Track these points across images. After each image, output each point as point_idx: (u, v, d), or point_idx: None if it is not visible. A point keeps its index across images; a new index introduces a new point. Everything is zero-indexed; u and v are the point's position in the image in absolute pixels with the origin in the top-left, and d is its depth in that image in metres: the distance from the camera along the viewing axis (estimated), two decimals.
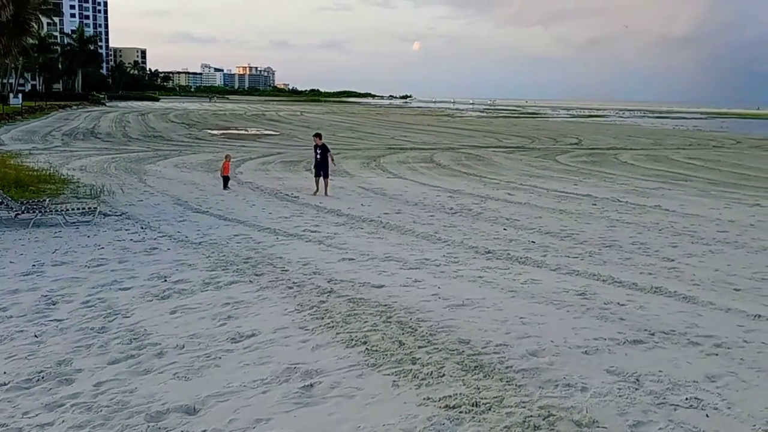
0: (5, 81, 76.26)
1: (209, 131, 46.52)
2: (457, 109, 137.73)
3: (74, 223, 13.05)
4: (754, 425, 5.28)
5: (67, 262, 10.08)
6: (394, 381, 5.93)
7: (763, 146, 45.73)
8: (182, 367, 6.21)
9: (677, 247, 12.18)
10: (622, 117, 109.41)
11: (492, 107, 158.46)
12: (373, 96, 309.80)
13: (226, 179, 18.95)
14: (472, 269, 10.11)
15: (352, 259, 10.61)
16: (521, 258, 10.95)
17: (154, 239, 11.83)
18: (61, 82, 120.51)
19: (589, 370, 6.24)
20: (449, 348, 6.72)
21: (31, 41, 54.82)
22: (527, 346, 6.84)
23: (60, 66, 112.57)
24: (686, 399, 5.68)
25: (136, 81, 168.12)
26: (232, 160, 20.45)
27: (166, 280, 9.16)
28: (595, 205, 17.29)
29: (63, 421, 5.17)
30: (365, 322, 7.50)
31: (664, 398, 5.69)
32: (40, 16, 41.84)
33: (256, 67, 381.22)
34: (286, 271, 9.78)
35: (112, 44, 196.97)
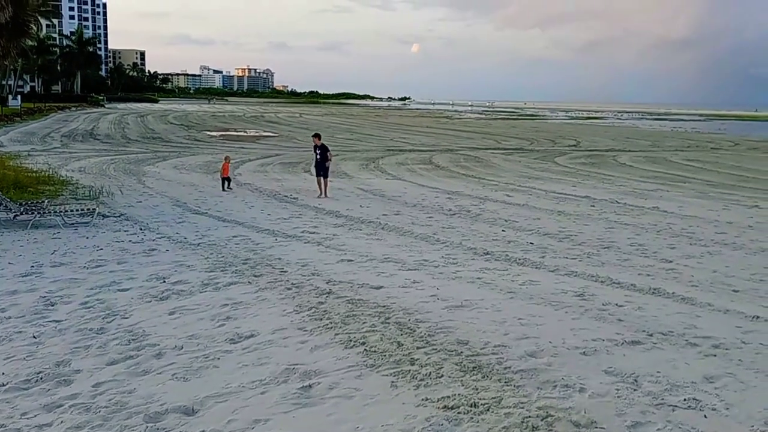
0: (4, 83, 76.23)
1: (208, 133, 46.53)
2: (455, 110, 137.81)
3: (73, 224, 13.05)
4: (752, 426, 5.29)
5: (65, 263, 10.08)
6: (392, 382, 5.93)
7: (762, 148, 45.78)
8: (181, 368, 6.21)
9: (675, 248, 12.19)
10: (620, 119, 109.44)
11: (490, 109, 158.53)
12: (372, 98, 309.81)
13: (226, 180, 18.95)
14: (470, 270, 10.12)
15: (351, 260, 10.61)
16: (520, 259, 10.96)
17: (153, 240, 11.83)
18: (60, 83, 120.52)
19: (588, 371, 6.25)
20: (448, 349, 6.72)
21: (30, 43, 54.78)
22: (526, 346, 6.84)
23: (59, 68, 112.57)
24: (684, 400, 5.69)
25: (135, 83, 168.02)
26: (231, 161, 20.45)
27: (164, 281, 9.16)
28: (593, 206, 17.31)
29: (62, 422, 5.17)
30: (364, 322, 7.51)
31: (663, 399, 5.70)
32: (39, 17, 41.75)
33: (255, 69, 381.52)
34: (285, 272, 9.78)
35: (111, 46, 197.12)
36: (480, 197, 18.57)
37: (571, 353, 6.72)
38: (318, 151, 18.23)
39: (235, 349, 6.72)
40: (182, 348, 6.73)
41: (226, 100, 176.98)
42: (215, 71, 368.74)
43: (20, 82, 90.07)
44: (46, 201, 14.13)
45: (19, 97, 77.37)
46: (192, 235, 12.29)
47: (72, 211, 13.44)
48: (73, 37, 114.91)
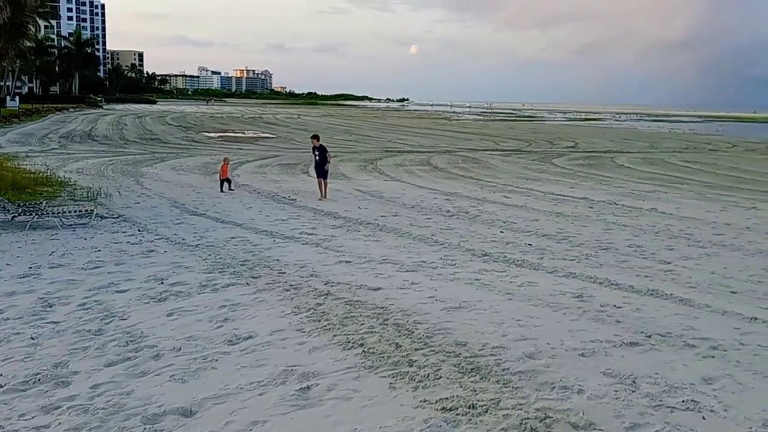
0: (2, 84, 76.10)
1: (206, 134, 46.52)
2: (453, 112, 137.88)
3: (71, 225, 13.04)
4: (751, 427, 5.29)
5: (63, 265, 10.07)
6: (390, 383, 5.93)
7: (759, 150, 45.85)
8: (179, 370, 6.20)
9: (673, 249, 12.20)
10: (618, 120, 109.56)
11: (489, 110, 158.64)
12: (370, 99, 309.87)
13: (225, 181, 18.92)
14: (468, 272, 10.12)
15: (349, 262, 10.61)
16: (518, 260, 10.96)
17: (151, 242, 11.82)
18: (58, 84, 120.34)
19: (586, 373, 6.25)
20: (446, 350, 6.72)
21: (28, 44, 54.83)
22: (524, 348, 6.84)
23: (57, 69, 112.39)
24: (683, 401, 5.69)
25: (133, 84, 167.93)
26: (230, 162, 20.43)
27: (162, 283, 9.15)
28: (591, 208, 17.32)
29: (59, 424, 5.16)
30: (362, 324, 7.51)
31: (661, 400, 5.70)
32: (37, 18, 41.87)
33: (254, 70, 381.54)
34: (283, 273, 9.78)
35: (109, 47, 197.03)
36: (478, 198, 18.58)
37: (570, 354, 6.72)
38: (317, 153, 18.17)
39: (233, 351, 6.71)
40: (180, 349, 6.72)
41: (225, 102, 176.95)
42: (213, 72, 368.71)
43: (18, 83, 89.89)
44: (44, 202, 14.11)
45: (17, 98, 77.28)
46: (190, 237, 12.29)
47: (70, 212, 13.43)
48: (71, 38, 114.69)
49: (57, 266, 9.97)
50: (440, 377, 6.04)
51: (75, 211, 13.52)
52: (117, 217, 14.04)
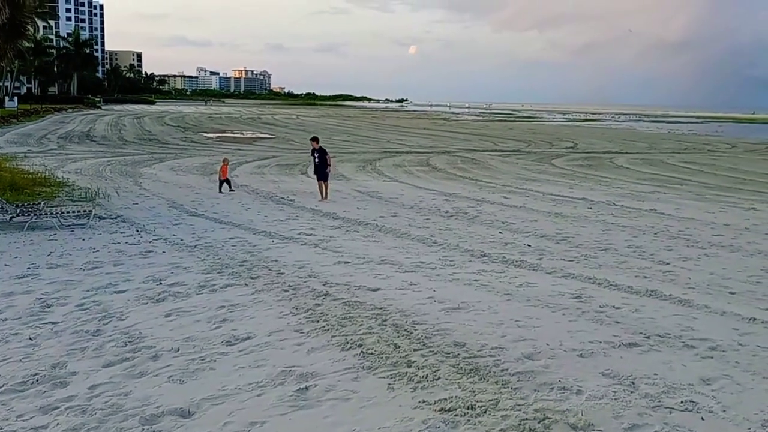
0: (1, 84, 76.10)
1: (205, 134, 46.51)
2: (453, 112, 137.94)
3: (69, 226, 13.02)
4: (749, 428, 5.29)
5: (62, 265, 10.05)
6: (389, 384, 5.92)
7: (758, 150, 45.89)
8: (177, 370, 6.19)
9: (672, 250, 12.20)
10: (617, 121, 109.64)
11: (488, 111, 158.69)
12: (370, 99, 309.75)
13: (225, 182, 18.89)
14: (467, 272, 10.12)
15: (348, 263, 10.60)
16: (517, 261, 10.96)
17: (150, 242, 11.81)
18: (56, 85, 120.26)
19: (585, 373, 6.24)
20: (445, 351, 6.71)
21: (26, 44, 54.78)
22: (523, 349, 6.84)
23: (56, 69, 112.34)
24: (681, 402, 5.69)
25: (132, 84, 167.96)
26: (229, 163, 20.42)
27: (161, 283, 9.14)
28: (590, 208, 17.33)
29: (57, 424, 5.15)
30: (361, 325, 7.50)
31: (660, 401, 5.69)
32: (35, 19, 41.83)
33: (252, 71, 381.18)
34: (282, 274, 9.77)
35: (107, 48, 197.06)
36: (477, 199, 18.58)
37: (568, 355, 6.72)
38: (316, 155, 18.15)
39: (231, 352, 6.70)
40: (178, 350, 6.71)
41: (223, 102, 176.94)
42: (212, 73, 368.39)
43: (17, 84, 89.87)
44: (43, 203, 14.10)
45: (15, 98, 77.19)
46: (189, 237, 12.27)
47: (68, 212, 13.42)
48: (70, 39, 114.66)
49: (55, 267, 9.96)
50: (439, 378, 6.03)
51: (73, 212, 13.51)
52: (115, 218, 14.03)
